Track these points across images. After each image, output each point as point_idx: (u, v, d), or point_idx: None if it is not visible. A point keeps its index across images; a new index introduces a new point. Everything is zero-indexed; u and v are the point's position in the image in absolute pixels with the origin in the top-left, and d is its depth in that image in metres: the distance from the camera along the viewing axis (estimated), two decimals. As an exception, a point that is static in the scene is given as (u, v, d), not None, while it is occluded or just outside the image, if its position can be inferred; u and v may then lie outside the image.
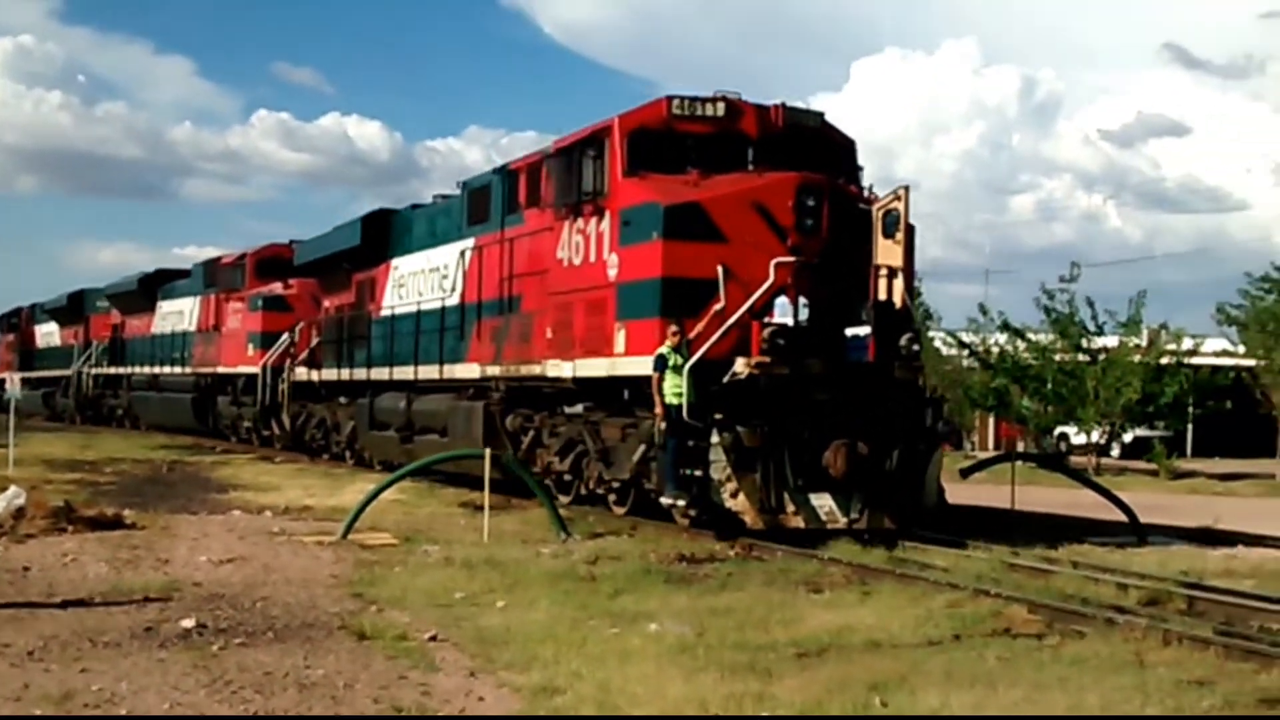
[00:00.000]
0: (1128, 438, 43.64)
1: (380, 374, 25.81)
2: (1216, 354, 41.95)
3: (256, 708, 7.59)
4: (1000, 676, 8.55)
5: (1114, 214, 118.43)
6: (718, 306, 15.83)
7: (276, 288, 33.86)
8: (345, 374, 28.14)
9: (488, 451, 17.45)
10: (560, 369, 18.16)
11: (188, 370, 39.44)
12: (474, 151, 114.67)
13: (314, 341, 30.54)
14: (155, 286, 44.87)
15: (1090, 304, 39.02)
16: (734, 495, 15.30)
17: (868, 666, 8.89)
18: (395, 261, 26.44)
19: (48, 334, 59.95)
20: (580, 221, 18.09)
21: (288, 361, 31.34)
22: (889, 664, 8.96)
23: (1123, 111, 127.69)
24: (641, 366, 16.26)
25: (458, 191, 23.88)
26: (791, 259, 16.02)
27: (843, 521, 15.51)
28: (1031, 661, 9.00)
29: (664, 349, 15.64)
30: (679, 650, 9.19)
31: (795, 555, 13.95)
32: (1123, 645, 9.32)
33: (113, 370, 48.79)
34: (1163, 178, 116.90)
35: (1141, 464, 39.86)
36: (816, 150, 17.58)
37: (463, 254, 22.48)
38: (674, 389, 15.63)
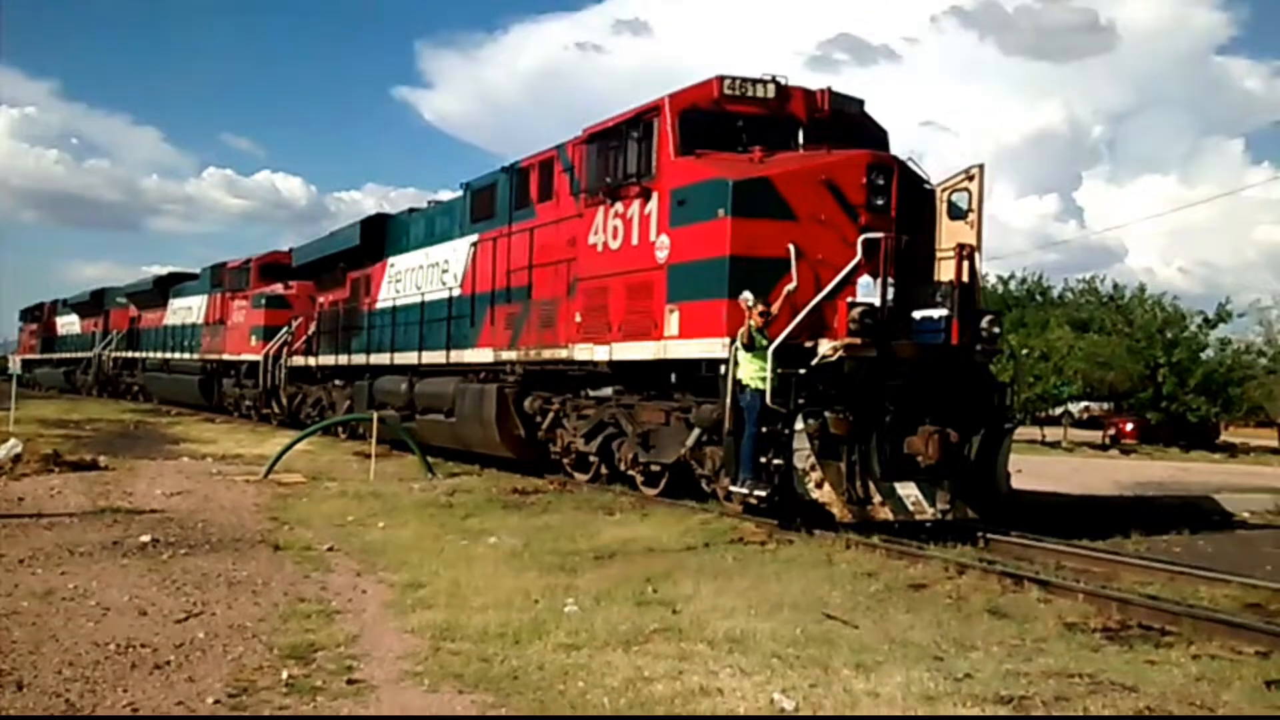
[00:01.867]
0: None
1: (381, 359, 20.93)
2: None
3: (195, 599, 7.32)
4: (735, 570, 7.60)
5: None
6: (789, 287, 11.43)
7: (277, 288, 30.06)
8: (343, 359, 22.99)
9: (374, 415, 17.32)
10: (592, 352, 13.71)
11: (196, 356, 35.24)
12: (370, 201, 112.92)
13: (309, 333, 26.61)
14: (168, 286, 40.81)
15: None
16: (819, 485, 10.83)
17: (644, 565, 8.18)
18: (391, 260, 21.63)
19: (68, 324, 54.61)
20: (619, 206, 13.43)
21: (285, 351, 27.58)
22: (659, 563, 8.22)
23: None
24: (700, 349, 11.89)
25: (457, 194, 19.62)
26: (879, 235, 11.55)
27: (929, 513, 11.02)
28: (757, 560, 8.50)
29: (748, 329, 11.14)
30: (511, 556, 8.27)
31: (596, 489, 13.90)
32: (819, 549, 9.33)
33: (130, 354, 44.76)
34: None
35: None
36: (857, 136, 12.98)
37: (465, 249, 18.01)
38: (758, 372, 10.82)
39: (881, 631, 6.53)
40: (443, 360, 18.06)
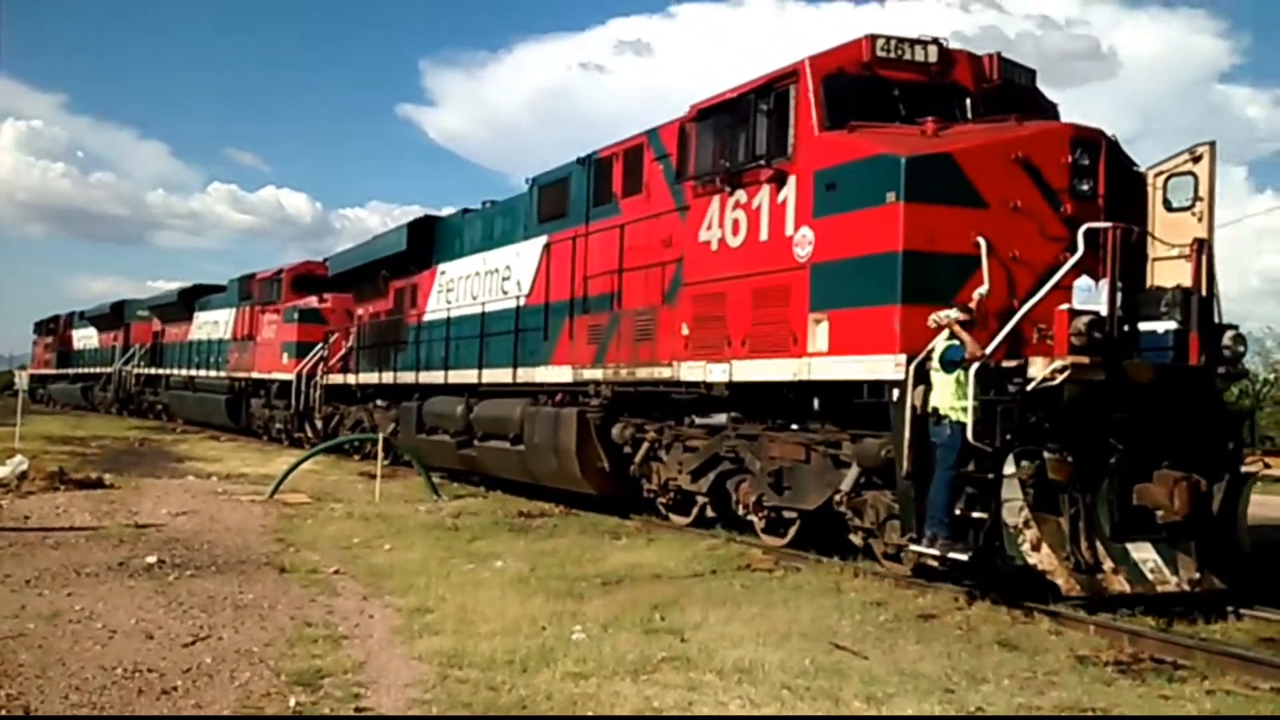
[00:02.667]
0: None
1: (432, 377, 19.17)
2: None
3: (202, 622, 7.28)
4: (743, 598, 8.38)
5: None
6: (980, 290, 9.06)
7: (311, 301, 28.48)
8: (387, 377, 21.57)
9: (381, 435, 17.05)
10: (706, 372, 11.57)
11: (222, 374, 33.58)
12: (374, 218, 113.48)
13: (345, 349, 25.25)
14: (193, 299, 39.05)
15: None
16: (1035, 547, 8.36)
17: (651, 592, 8.76)
18: (442, 267, 19.88)
19: (85, 337, 53.73)
20: (740, 195, 11.22)
21: (320, 369, 26.00)
22: (666, 590, 8.82)
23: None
24: (860, 369, 9.53)
25: (522, 191, 17.46)
26: (1104, 225, 9.19)
27: (1172, 583, 8.62)
28: (765, 588, 8.93)
29: (940, 343, 8.88)
30: (517, 580, 8.92)
31: (602, 514, 13.83)
32: (827, 576, 9.41)
33: (153, 370, 42.96)
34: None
35: None
36: (1029, 112, 10.60)
37: (533, 253, 16.17)
38: (957, 399, 8.64)
39: (891, 662, 6.80)
40: (508, 379, 16.27)
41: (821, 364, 9.74)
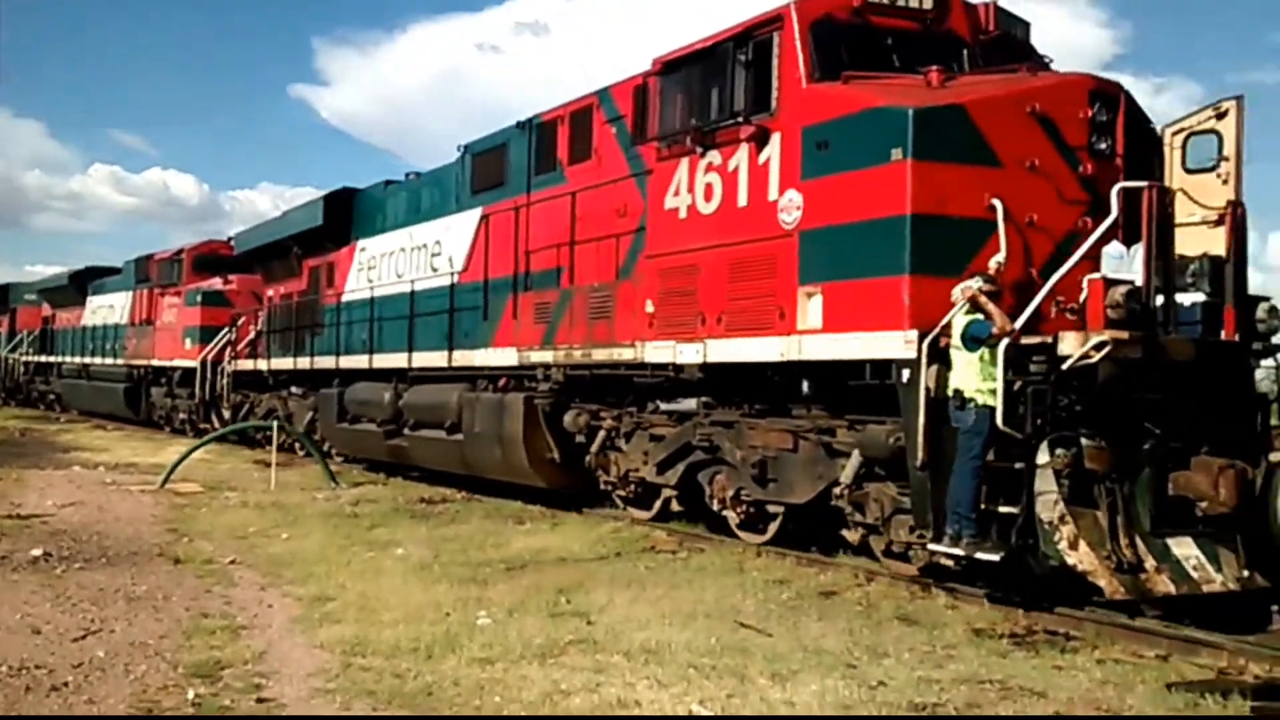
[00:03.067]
0: None
1: (354, 362, 17.94)
2: None
3: (93, 616, 7.03)
4: (649, 579, 8.86)
5: None
6: (996, 258, 8.22)
7: (215, 283, 26.98)
8: (303, 363, 20.13)
9: (275, 423, 16.61)
10: (675, 352, 10.52)
11: (120, 361, 31.50)
12: (265, 199, 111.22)
13: (254, 333, 23.82)
14: (86, 282, 36.67)
15: None
16: (1072, 545, 7.51)
17: (556, 576, 9.07)
18: (362, 243, 18.60)
19: None
20: (713, 156, 10.17)
21: (228, 355, 24.52)
22: (572, 573, 9.19)
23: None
24: (862, 347, 8.54)
25: (447, 161, 16.15)
26: (1142, 185, 8.23)
27: (1217, 581, 7.76)
28: (669, 569, 9.16)
29: (959, 316, 8.04)
30: (420, 567, 9.08)
31: (504, 499, 13.72)
32: (730, 556, 9.56)
33: (42, 358, 40.37)
34: None
35: None
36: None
37: (467, 226, 15.02)
38: (984, 381, 7.84)
39: (795, 639, 7.10)
40: (442, 363, 15.18)
41: (815, 342, 8.91)
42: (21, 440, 24.77)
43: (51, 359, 38.65)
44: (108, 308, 33.28)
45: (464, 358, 14.56)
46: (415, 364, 15.77)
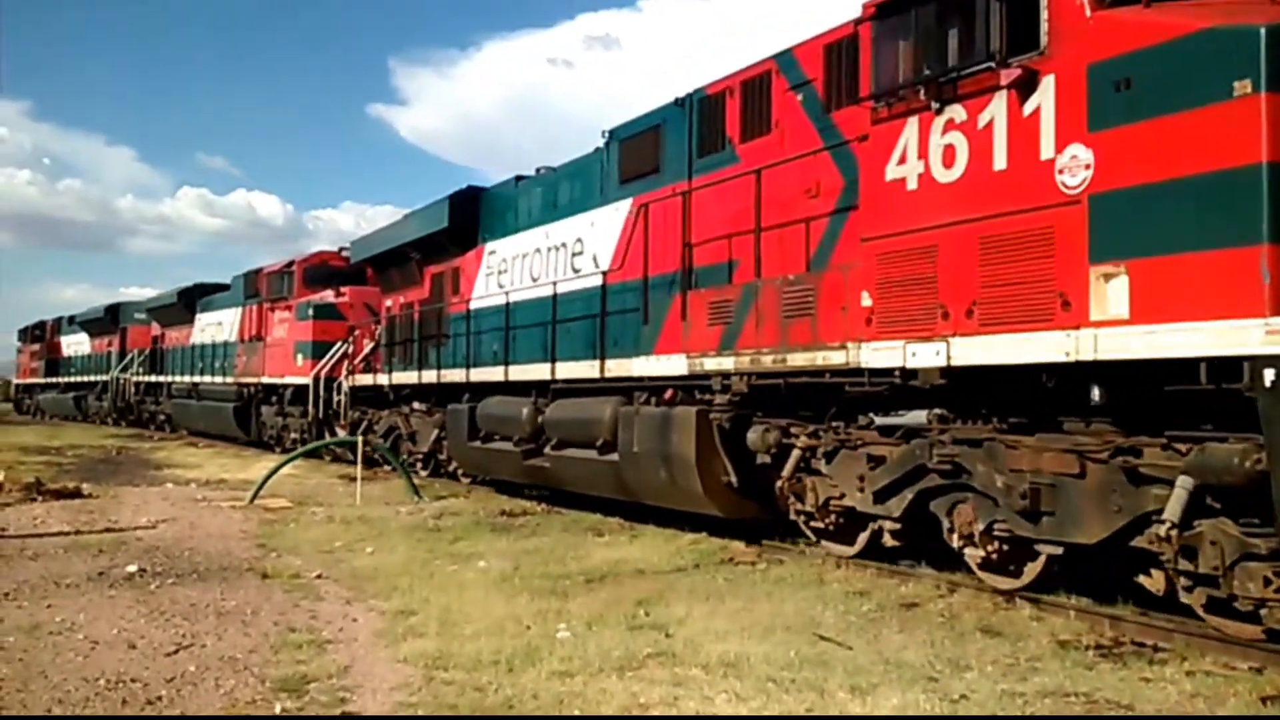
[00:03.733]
0: None
1: (487, 375, 16.90)
2: None
3: (184, 630, 7.23)
4: (727, 592, 9.24)
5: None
6: None
7: (327, 295, 26.29)
8: (428, 376, 19.28)
9: (360, 439, 16.79)
10: (907, 355, 8.86)
11: (229, 380, 31.10)
12: (347, 219, 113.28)
13: (372, 346, 23.27)
14: (194, 299, 36.40)
15: None
16: None
17: (635, 588, 9.56)
18: (491, 245, 17.57)
19: (76, 344, 51.44)
20: (956, 111, 8.51)
21: (344, 370, 23.92)
22: (650, 585, 9.68)
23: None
24: (1200, 341, 6.73)
25: (592, 151, 14.91)
26: None
27: None
28: (748, 581, 9.35)
29: None
30: (501, 580, 9.53)
31: (584, 511, 13.76)
32: (810, 568, 9.57)
33: (152, 378, 40.17)
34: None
35: None
36: None
37: (613, 220, 13.86)
38: None
39: (875, 652, 7.24)
40: (592, 374, 13.97)
41: (1117, 336, 7.31)
42: (118, 459, 26.01)
43: (161, 379, 38.67)
44: (216, 325, 33.14)
45: (619, 367, 13.48)
46: (560, 375, 14.84)
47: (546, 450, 14.90)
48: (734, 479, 11.46)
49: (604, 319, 13.75)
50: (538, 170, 17.01)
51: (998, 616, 8.35)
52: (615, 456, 13.02)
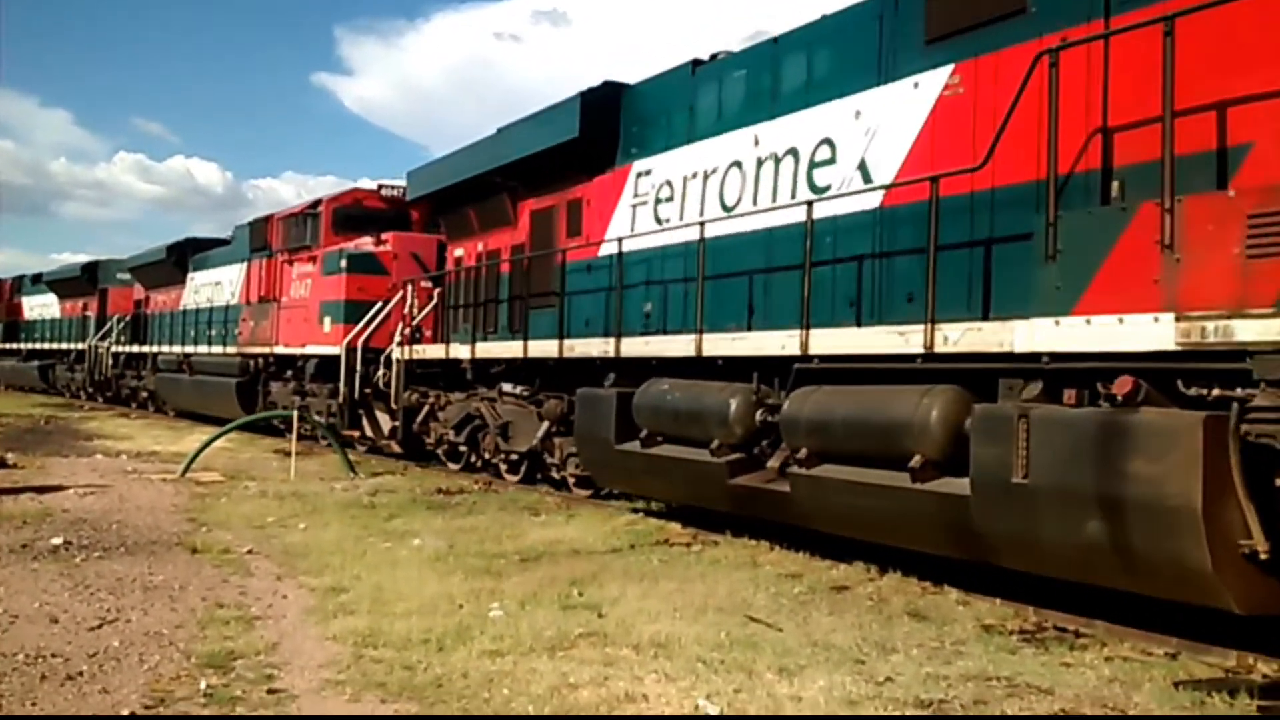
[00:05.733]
0: None
1: (655, 347, 12.15)
2: None
3: (109, 605, 7.14)
4: (661, 573, 10.11)
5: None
6: None
7: (365, 243, 21.55)
8: (545, 349, 14.17)
9: (295, 412, 16.51)
10: None
11: (230, 350, 26.51)
12: (289, 188, 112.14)
13: (426, 309, 18.64)
14: (186, 256, 31.29)
15: None
16: None
17: (570, 568, 10.78)
18: (644, 164, 13.10)
19: (42, 306, 45.89)
20: None
21: (398, 337, 18.75)
22: (585, 565, 11.47)
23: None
24: None
25: (851, 5, 10.65)
26: None
27: None
28: (682, 562, 9.87)
29: None
30: (435, 559, 10.12)
31: (521, 489, 13.69)
32: (744, 550, 9.73)
33: (134, 348, 34.93)
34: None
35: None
36: None
37: (907, 104, 9.28)
38: None
39: (804, 634, 7.81)
40: (900, 346, 8.99)
41: None
42: (46, 428, 26.43)
43: (145, 349, 34.45)
44: (213, 285, 28.98)
45: (974, 337, 8.46)
46: (818, 348, 10.09)
47: (787, 469, 10.13)
48: (1263, 548, 6.57)
49: (934, 256, 8.69)
50: (712, 57, 12.68)
51: (925, 600, 9.24)
52: (956, 488, 8.42)
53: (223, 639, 7.29)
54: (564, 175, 14.52)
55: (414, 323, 18.22)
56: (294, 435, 17.65)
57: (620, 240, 12.84)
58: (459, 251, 17.82)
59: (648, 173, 13.04)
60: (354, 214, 22.01)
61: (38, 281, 46.54)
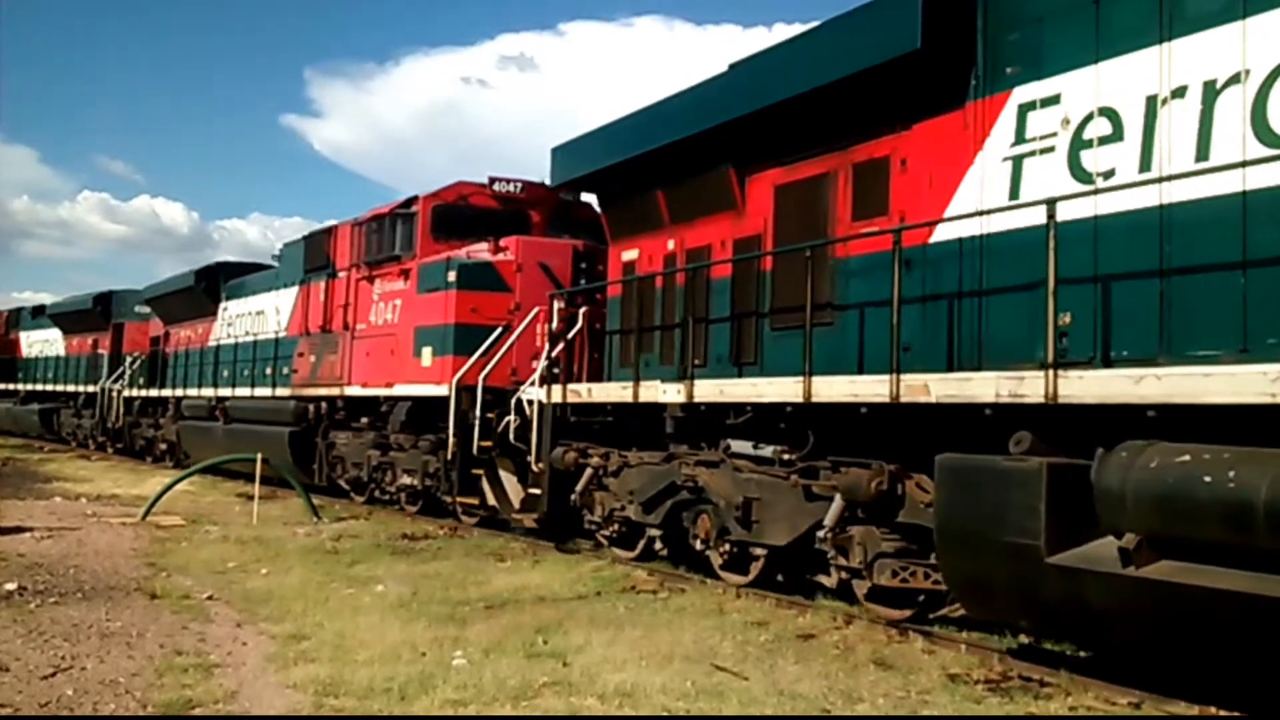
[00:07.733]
0: None
1: (1165, 385, 6.17)
2: None
3: (64, 653, 6.98)
4: (627, 620, 9.72)
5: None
6: None
7: (479, 251, 17.11)
8: (836, 388, 9.11)
9: (259, 455, 16.20)
10: None
11: (282, 392, 22.56)
12: (255, 229, 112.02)
13: (571, 337, 14.23)
14: (218, 281, 26.31)
15: None
16: None
17: (535, 615, 11.81)
18: (1037, 88, 8.08)
19: (43, 342, 39.43)
20: None
21: (553, 372, 13.85)
22: (550, 613, 10.96)
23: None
24: None
25: None
26: None
27: None
28: (649, 610, 9.65)
29: None
30: (399, 605, 9.94)
31: (487, 534, 13.56)
32: (710, 597, 9.66)
33: (153, 392, 29.52)
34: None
35: None
36: None
37: None
38: None
39: (771, 683, 8.30)
40: None
41: None
42: (3, 469, 25.59)
43: (164, 393, 29.72)
44: (254, 315, 24.63)
45: None
46: None
47: None
48: None
49: None
50: None
51: (891, 649, 9.61)
52: None
53: (180, 687, 7.45)
54: (848, 125, 9.75)
55: (553, 353, 13.31)
56: (256, 480, 18.00)
57: (983, 215, 8.17)
58: (629, 254, 13.24)
59: (1052, 100, 8.12)
60: (460, 213, 17.07)
61: (39, 314, 40.31)
